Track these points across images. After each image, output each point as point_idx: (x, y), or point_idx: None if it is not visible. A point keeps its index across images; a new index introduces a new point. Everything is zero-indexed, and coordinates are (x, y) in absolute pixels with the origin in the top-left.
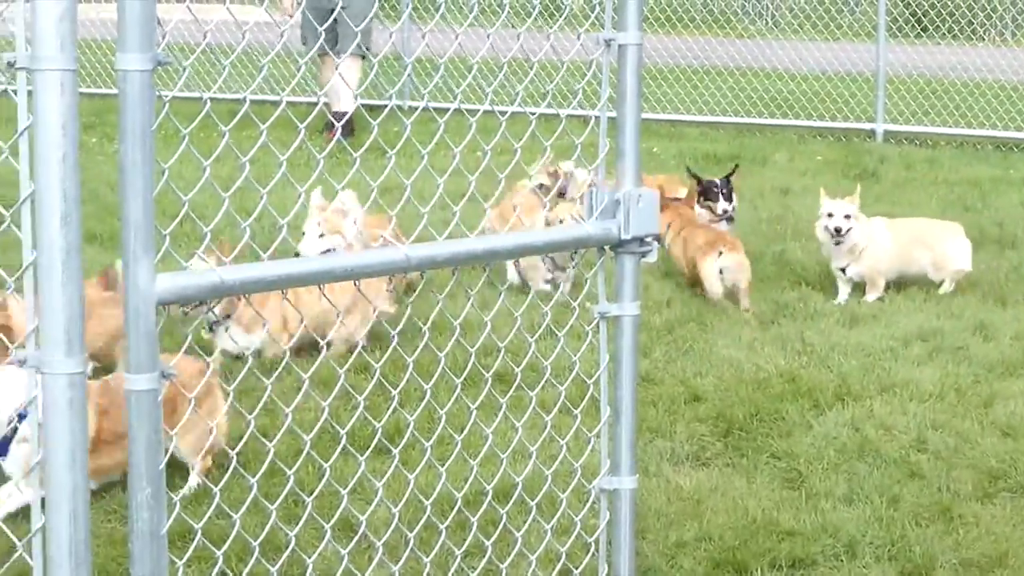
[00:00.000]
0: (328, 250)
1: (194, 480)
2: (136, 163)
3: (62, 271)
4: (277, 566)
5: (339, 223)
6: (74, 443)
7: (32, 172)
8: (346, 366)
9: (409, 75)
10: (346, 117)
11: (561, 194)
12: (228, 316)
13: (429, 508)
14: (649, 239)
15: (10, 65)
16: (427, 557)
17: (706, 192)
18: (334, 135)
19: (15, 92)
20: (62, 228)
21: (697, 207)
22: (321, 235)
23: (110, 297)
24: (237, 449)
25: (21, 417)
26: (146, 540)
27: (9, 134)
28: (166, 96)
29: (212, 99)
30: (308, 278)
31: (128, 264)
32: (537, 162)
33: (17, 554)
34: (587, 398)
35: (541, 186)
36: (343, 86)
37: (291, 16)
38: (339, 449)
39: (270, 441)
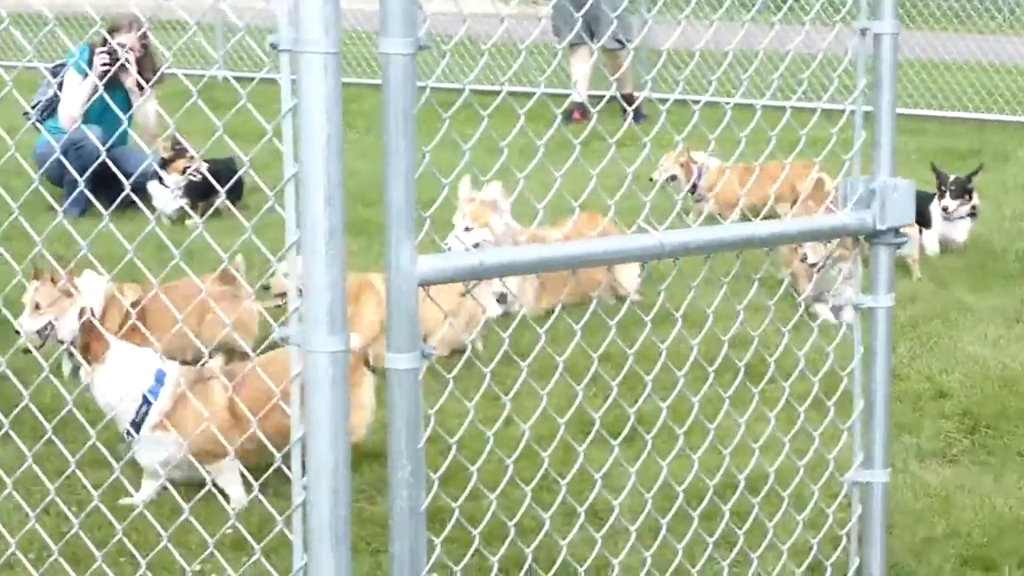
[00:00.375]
0: (476, 244)
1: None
2: (399, 148)
3: (325, 251)
4: (531, 548)
5: (487, 216)
6: (335, 420)
7: (296, 154)
8: (597, 352)
9: (658, 66)
10: (637, 102)
11: (694, 186)
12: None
13: (681, 496)
14: (904, 230)
15: (273, 47)
16: (679, 544)
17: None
18: (579, 119)
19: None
20: (326, 209)
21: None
22: (468, 228)
23: (229, 291)
24: (493, 430)
25: (147, 403)
26: (405, 517)
27: (272, 116)
28: (426, 85)
29: (468, 89)
30: (564, 262)
31: (390, 246)
32: (669, 153)
33: (277, 528)
34: (839, 391)
35: (673, 178)
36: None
37: (541, 7)
38: (591, 436)
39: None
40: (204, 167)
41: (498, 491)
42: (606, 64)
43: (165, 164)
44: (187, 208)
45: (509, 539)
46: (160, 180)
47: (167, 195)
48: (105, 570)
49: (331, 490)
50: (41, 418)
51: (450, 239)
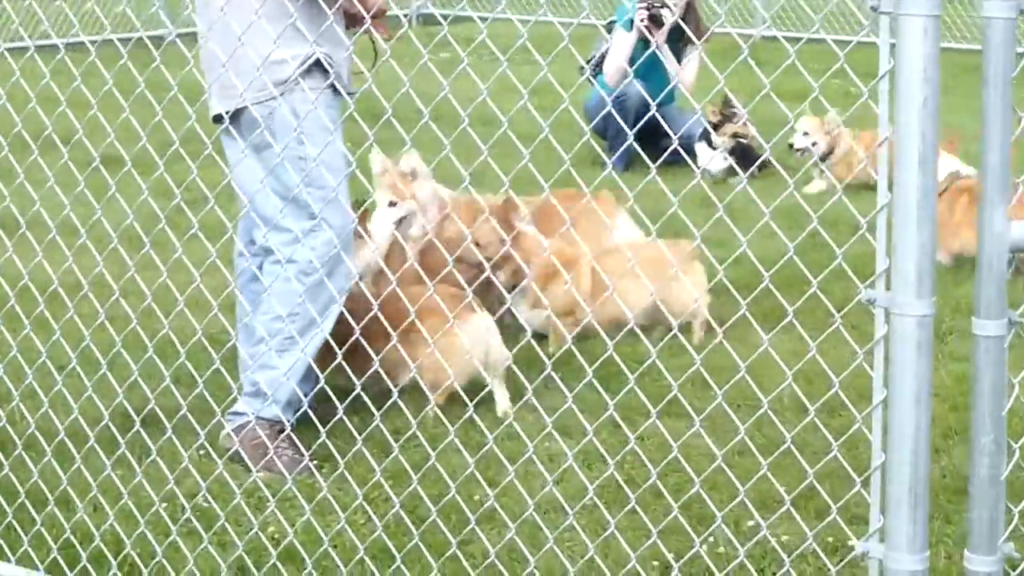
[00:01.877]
0: (402, 218)
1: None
2: (996, 108)
3: (917, 213)
4: None
5: (407, 188)
6: (919, 383)
7: (892, 116)
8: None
9: None
10: None
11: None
12: (515, 286)
13: None
14: None
15: (873, 10)
16: None
17: None
18: None
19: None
20: (919, 170)
21: None
22: (392, 203)
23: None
24: None
25: None
26: (985, 485)
27: (867, 79)
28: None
29: None
30: None
31: (984, 209)
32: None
33: (855, 489)
34: None
35: (814, 144)
36: None
37: None
38: None
39: None
40: (754, 132)
41: None
42: None
43: (715, 127)
44: (735, 166)
45: None
46: (708, 142)
47: (714, 156)
48: (653, 521)
49: (912, 455)
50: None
51: (373, 221)
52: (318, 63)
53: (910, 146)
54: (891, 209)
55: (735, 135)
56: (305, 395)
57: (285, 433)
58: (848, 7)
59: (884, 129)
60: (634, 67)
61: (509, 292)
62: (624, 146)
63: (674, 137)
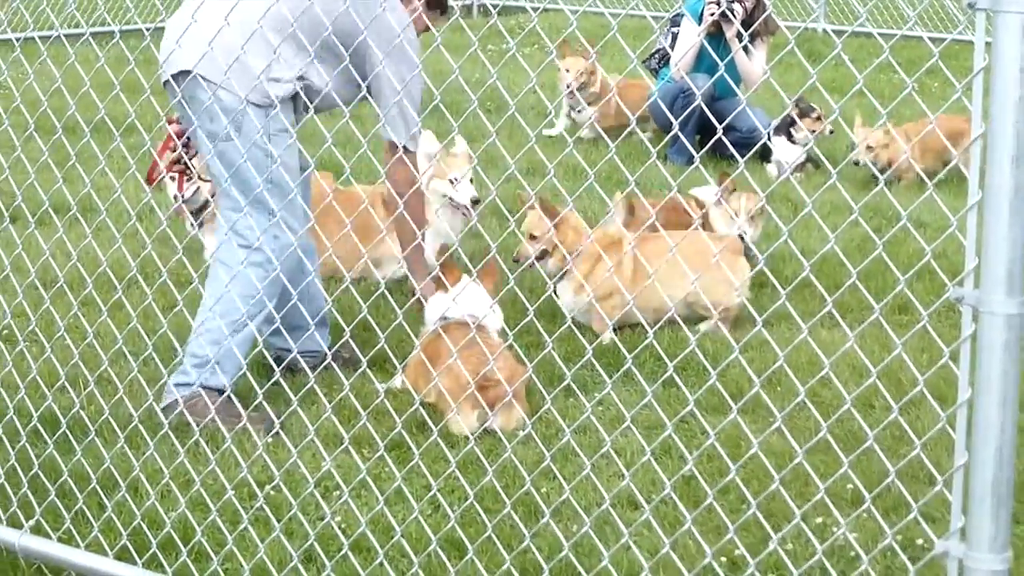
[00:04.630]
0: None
1: None
2: None
3: (1009, 211)
4: None
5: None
6: (1006, 385)
7: (985, 113)
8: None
9: None
10: None
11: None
12: (545, 254)
13: None
14: None
15: (970, 7)
16: None
17: None
18: None
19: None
20: (1012, 168)
21: None
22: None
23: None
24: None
25: None
26: None
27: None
28: None
29: None
30: None
31: None
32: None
33: (936, 489)
34: None
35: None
36: None
37: None
38: None
39: None
40: (829, 129)
41: None
42: None
43: (792, 123)
44: (816, 158)
45: None
46: (789, 136)
47: (791, 150)
48: (722, 517)
49: (996, 454)
50: (665, 357)
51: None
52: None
53: (1004, 143)
54: (982, 206)
55: (813, 130)
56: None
57: (226, 395)
58: (941, 4)
59: (977, 126)
60: (701, 60)
61: (553, 279)
62: (686, 139)
63: (719, 131)
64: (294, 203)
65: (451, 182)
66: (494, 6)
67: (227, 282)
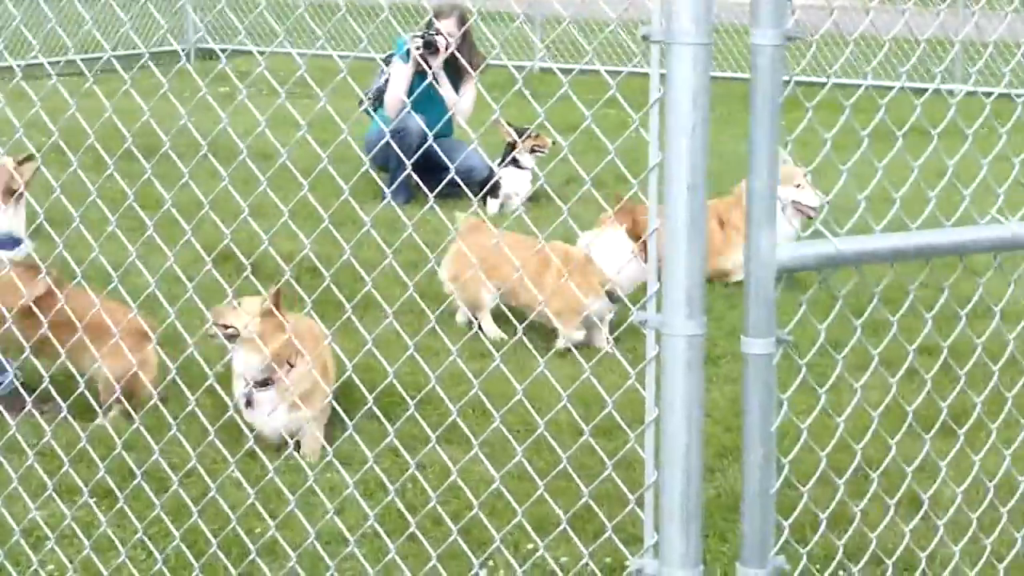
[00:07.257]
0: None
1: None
2: (763, 134)
3: (686, 237)
4: (844, 540)
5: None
6: (690, 403)
7: (661, 143)
8: (913, 345)
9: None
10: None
11: None
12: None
13: (991, 491)
14: None
15: (644, 39)
16: (987, 539)
17: None
18: None
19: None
20: (688, 196)
21: None
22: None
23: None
24: (807, 423)
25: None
26: (755, 500)
27: (640, 108)
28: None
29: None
30: (917, 252)
31: (751, 233)
32: None
33: (628, 508)
34: None
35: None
36: None
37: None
38: (903, 428)
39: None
40: (549, 142)
41: (810, 483)
42: None
43: (511, 147)
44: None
45: (820, 530)
46: (516, 163)
47: (521, 177)
48: (461, 546)
49: (683, 471)
50: None
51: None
52: None
53: (679, 172)
54: (660, 234)
55: (533, 149)
56: None
57: None
58: (622, 38)
59: (654, 156)
60: (412, 98)
61: None
62: (401, 177)
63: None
64: None
65: None
66: (222, 50)
67: None
